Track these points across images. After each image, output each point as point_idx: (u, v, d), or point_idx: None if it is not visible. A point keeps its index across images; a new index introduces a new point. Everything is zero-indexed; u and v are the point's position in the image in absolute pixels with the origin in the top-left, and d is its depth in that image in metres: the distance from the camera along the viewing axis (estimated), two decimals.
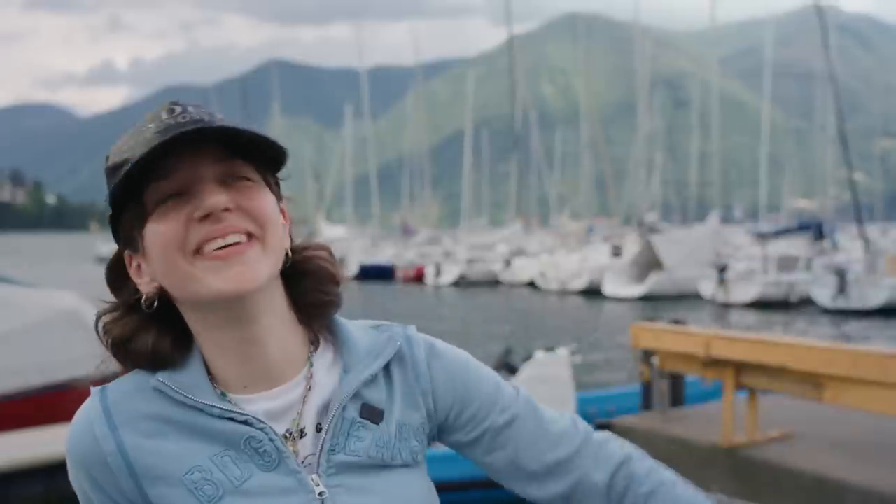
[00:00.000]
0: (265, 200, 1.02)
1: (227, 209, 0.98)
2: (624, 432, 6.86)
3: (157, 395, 1.02)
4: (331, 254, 1.13)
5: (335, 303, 1.11)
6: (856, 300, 26.39)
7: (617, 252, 36.66)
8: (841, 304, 26.62)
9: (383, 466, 1.06)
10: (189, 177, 0.99)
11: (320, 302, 1.10)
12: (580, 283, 35.00)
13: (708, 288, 30.38)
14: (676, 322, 8.21)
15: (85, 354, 8.90)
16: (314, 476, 1.02)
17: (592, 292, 33.80)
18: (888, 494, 5.01)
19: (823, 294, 27.40)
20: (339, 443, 1.04)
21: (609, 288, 33.20)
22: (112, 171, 1.01)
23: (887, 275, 26.63)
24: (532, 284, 38.12)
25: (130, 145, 1.00)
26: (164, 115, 1.00)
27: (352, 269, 44.21)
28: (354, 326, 1.14)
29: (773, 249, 31.62)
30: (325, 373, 1.08)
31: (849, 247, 32.77)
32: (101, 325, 1.06)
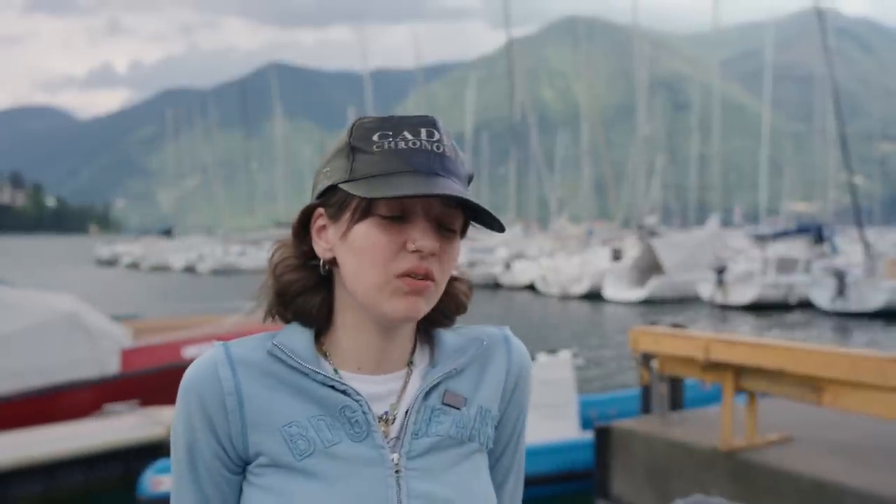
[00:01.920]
0: (457, 252, 1.14)
1: (432, 254, 1.09)
2: (623, 435, 6.87)
3: (271, 357, 1.13)
4: (470, 288, 1.24)
5: (448, 326, 1.23)
6: (854, 303, 26.39)
7: (617, 256, 36.59)
8: (839, 306, 26.62)
9: (461, 447, 1.15)
10: (419, 209, 1.09)
11: (439, 323, 1.21)
12: (581, 288, 34.96)
13: (707, 290, 30.36)
14: (676, 326, 8.21)
15: (84, 357, 8.92)
16: (395, 455, 1.11)
17: (593, 296, 33.78)
18: (887, 498, 5.01)
19: (822, 296, 27.39)
20: (422, 428, 1.13)
21: (609, 291, 33.14)
22: (353, 150, 1.10)
23: (886, 278, 26.65)
24: (532, 287, 38.11)
25: (391, 148, 1.08)
26: (424, 134, 1.10)
27: None
28: (451, 330, 1.24)
29: (772, 251, 31.62)
30: (421, 371, 1.19)
31: (848, 250, 32.75)
32: (278, 268, 1.16)
